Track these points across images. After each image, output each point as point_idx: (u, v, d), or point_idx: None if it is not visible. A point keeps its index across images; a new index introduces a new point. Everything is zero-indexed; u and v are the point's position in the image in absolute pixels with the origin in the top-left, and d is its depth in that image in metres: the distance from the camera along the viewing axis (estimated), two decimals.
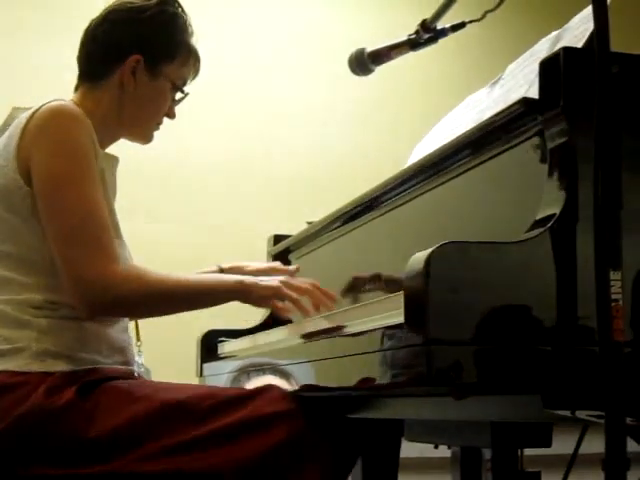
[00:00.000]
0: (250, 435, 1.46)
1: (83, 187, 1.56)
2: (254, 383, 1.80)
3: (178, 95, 1.81)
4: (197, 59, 1.82)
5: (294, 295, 1.67)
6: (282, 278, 1.71)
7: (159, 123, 1.82)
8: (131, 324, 1.79)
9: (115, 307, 1.57)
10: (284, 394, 1.53)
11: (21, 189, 1.57)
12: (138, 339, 1.81)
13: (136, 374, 1.70)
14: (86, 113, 1.62)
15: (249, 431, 1.47)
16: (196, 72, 1.84)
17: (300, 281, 1.72)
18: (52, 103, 1.61)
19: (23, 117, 1.62)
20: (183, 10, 1.79)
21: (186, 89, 1.82)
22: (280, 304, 1.69)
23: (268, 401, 1.50)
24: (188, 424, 1.48)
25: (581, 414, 1.18)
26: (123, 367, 1.65)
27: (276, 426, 1.47)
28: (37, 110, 1.61)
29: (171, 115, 1.83)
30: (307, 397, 1.55)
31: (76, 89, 1.76)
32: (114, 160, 1.76)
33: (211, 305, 1.80)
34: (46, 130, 1.58)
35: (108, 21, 1.73)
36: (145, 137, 1.83)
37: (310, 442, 1.48)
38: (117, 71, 1.72)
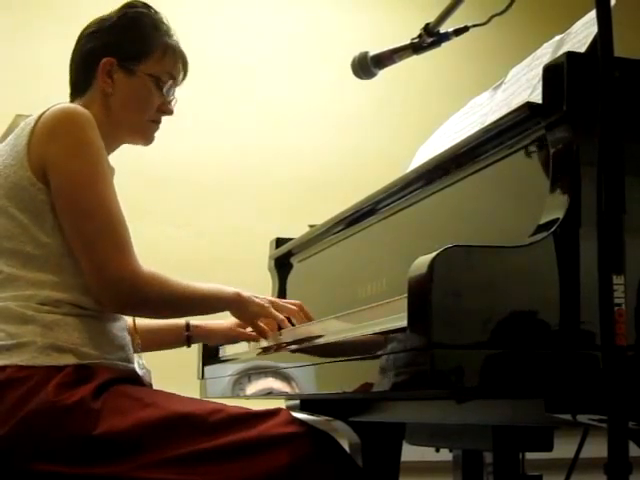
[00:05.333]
0: (253, 456, 1.48)
1: (104, 188, 1.61)
2: (255, 386, 1.81)
3: (165, 88, 1.81)
4: (176, 54, 1.83)
5: (279, 316, 1.80)
6: (270, 299, 1.84)
7: (155, 121, 1.83)
8: (129, 321, 1.81)
9: (141, 306, 1.64)
10: (291, 418, 1.56)
11: (34, 185, 1.60)
12: (138, 340, 1.82)
13: (141, 373, 1.71)
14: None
15: (252, 452, 1.49)
16: (184, 69, 1.85)
17: (286, 302, 1.88)
18: (63, 105, 1.65)
19: (31, 119, 1.64)
20: (155, 12, 1.82)
21: (180, 86, 1.85)
22: (262, 326, 1.81)
23: (275, 424, 1.53)
24: (193, 437, 1.49)
25: (583, 418, 1.18)
26: (125, 364, 1.66)
27: (279, 450, 1.49)
28: (45, 112, 1.63)
29: (167, 111, 1.84)
30: (314, 422, 1.59)
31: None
32: (112, 170, 1.77)
33: (212, 313, 1.88)
34: (61, 130, 1.61)
35: (82, 38, 1.81)
36: (142, 136, 1.83)
37: (312, 468, 1.49)
38: (96, 78, 1.76)
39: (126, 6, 1.81)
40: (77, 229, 1.59)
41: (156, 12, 1.83)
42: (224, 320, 1.99)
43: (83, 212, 1.59)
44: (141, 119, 1.81)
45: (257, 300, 1.78)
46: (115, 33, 1.78)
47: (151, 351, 1.97)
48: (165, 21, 1.83)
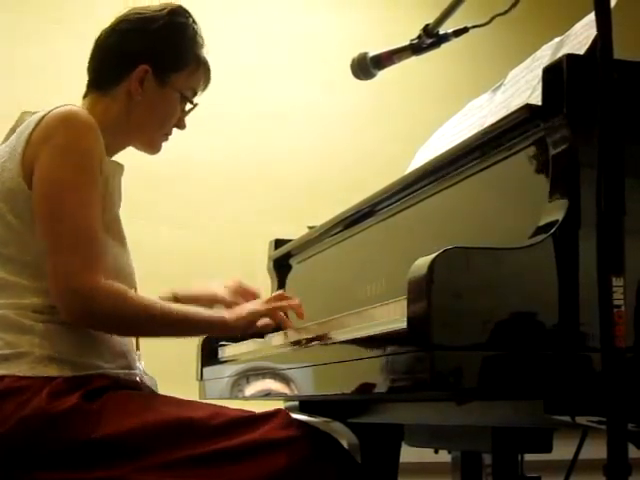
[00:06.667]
0: (253, 459, 1.48)
1: (82, 195, 1.56)
2: (254, 387, 1.81)
3: (187, 106, 1.81)
4: (207, 70, 1.81)
5: (279, 304, 1.73)
6: (252, 306, 1.75)
7: (167, 134, 1.82)
8: None
9: (93, 319, 1.57)
10: (291, 420, 1.55)
11: (24, 192, 1.58)
12: (137, 348, 1.81)
13: (138, 378, 1.70)
14: (95, 120, 1.61)
15: (253, 455, 1.48)
16: (206, 83, 1.83)
17: (266, 301, 1.77)
18: (62, 108, 1.61)
19: (32, 121, 1.61)
20: (194, 21, 1.79)
21: (196, 100, 1.82)
22: (261, 324, 1.73)
23: (274, 426, 1.52)
24: (193, 441, 1.49)
25: (582, 420, 1.18)
26: (125, 371, 1.65)
27: (280, 452, 1.48)
28: (45, 115, 1.60)
29: (181, 126, 1.83)
30: (313, 423, 1.59)
31: (85, 96, 1.77)
32: (120, 168, 1.76)
33: (191, 336, 1.85)
34: (54, 135, 1.58)
35: (118, 31, 1.75)
36: (153, 147, 1.82)
37: (313, 470, 1.49)
38: (125, 80, 1.72)
39: (172, 12, 1.75)
40: (44, 233, 1.55)
41: (195, 21, 1.79)
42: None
43: (51, 216, 1.55)
44: (158, 132, 1.80)
45: (241, 315, 1.70)
46: (158, 40, 1.73)
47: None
48: (200, 33, 1.79)
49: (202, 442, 1.48)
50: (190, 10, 1.81)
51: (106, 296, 1.54)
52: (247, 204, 3.66)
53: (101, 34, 1.77)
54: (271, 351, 1.76)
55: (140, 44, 1.73)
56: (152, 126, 1.78)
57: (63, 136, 1.58)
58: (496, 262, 1.13)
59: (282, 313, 1.75)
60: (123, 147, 1.80)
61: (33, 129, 1.59)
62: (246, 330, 1.73)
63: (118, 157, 1.80)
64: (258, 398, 1.84)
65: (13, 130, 1.68)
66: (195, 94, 1.81)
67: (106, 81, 1.74)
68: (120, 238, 1.69)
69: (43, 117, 1.60)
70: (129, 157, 1.82)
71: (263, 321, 1.74)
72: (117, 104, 1.73)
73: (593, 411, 1.14)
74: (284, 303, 1.76)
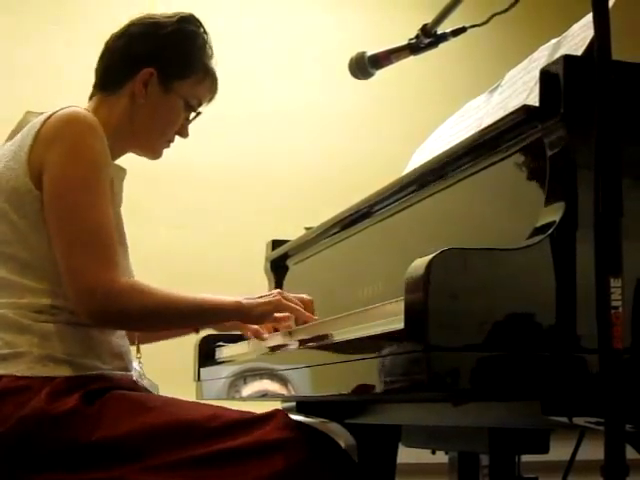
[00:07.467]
0: (251, 461, 1.47)
1: (94, 195, 1.57)
2: (251, 388, 1.81)
3: (191, 115, 1.80)
4: (214, 81, 1.81)
5: (292, 305, 1.70)
6: (277, 293, 1.72)
7: (169, 140, 1.81)
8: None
9: (116, 319, 1.57)
10: (289, 421, 1.54)
11: (30, 192, 1.57)
12: (138, 351, 1.80)
13: (135, 378, 1.70)
14: (99, 122, 1.61)
15: (251, 457, 1.47)
16: (212, 94, 1.82)
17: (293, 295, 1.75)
18: (67, 109, 1.61)
19: (37, 121, 1.62)
20: (205, 31, 1.79)
21: (200, 109, 1.81)
22: (279, 315, 1.71)
23: (272, 428, 1.51)
24: (193, 443, 1.48)
25: (579, 421, 1.19)
26: (123, 373, 1.65)
27: (277, 455, 1.47)
28: (51, 115, 1.61)
29: (183, 134, 1.82)
30: (310, 425, 1.57)
31: (90, 98, 1.77)
32: (122, 172, 1.76)
33: (211, 324, 1.87)
34: (61, 135, 1.58)
35: (127, 35, 1.75)
36: (154, 152, 1.81)
37: (310, 472, 1.49)
38: (130, 82, 1.72)
39: (182, 20, 1.76)
40: (58, 233, 1.55)
41: (206, 32, 1.79)
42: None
43: (65, 215, 1.55)
44: (160, 138, 1.79)
45: (263, 300, 1.67)
46: (166, 46, 1.74)
47: (160, 341, 1.93)
48: (211, 43, 1.80)
49: (201, 444, 1.48)
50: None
51: (128, 292, 1.54)
52: (246, 205, 3.66)
53: (111, 36, 1.78)
54: (268, 352, 1.76)
55: (147, 47, 1.74)
56: (154, 131, 1.78)
57: (69, 137, 1.58)
58: (493, 263, 1.13)
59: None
60: (125, 151, 1.80)
61: (38, 130, 1.59)
62: (265, 317, 1.70)
63: (119, 159, 1.80)
64: (255, 399, 1.84)
65: (17, 130, 1.68)
66: (200, 104, 1.81)
67: (111, 82, 1.74)
68: (122, 242, 1.69)
69: (48, 118, 1.60)
70: (127, 157, 1.82)
71: (283, 315, 1.71)
72: (121, 105, 1.73)
73: (590, 412, 1.14)
74: (310, 304, 1.74)
